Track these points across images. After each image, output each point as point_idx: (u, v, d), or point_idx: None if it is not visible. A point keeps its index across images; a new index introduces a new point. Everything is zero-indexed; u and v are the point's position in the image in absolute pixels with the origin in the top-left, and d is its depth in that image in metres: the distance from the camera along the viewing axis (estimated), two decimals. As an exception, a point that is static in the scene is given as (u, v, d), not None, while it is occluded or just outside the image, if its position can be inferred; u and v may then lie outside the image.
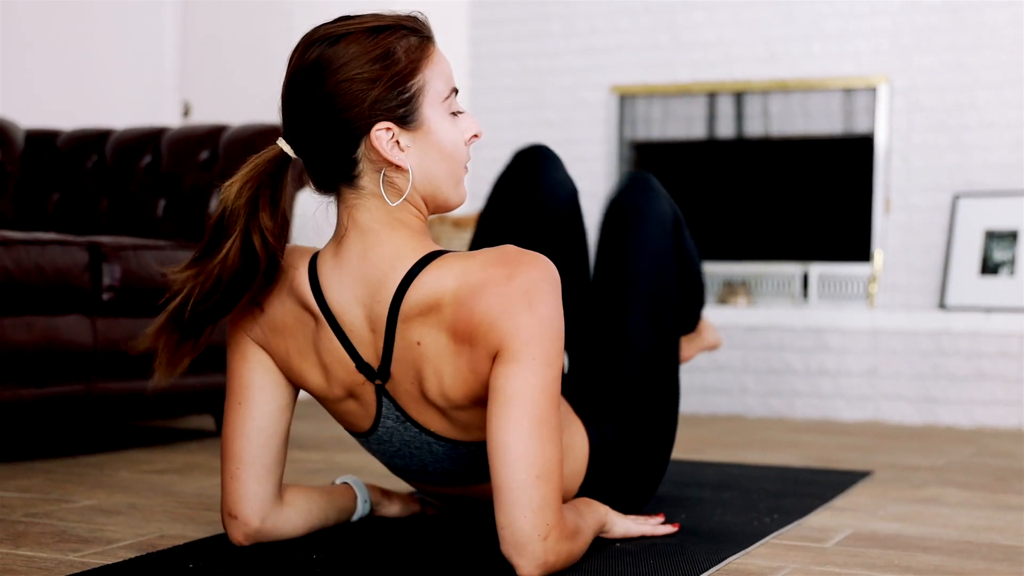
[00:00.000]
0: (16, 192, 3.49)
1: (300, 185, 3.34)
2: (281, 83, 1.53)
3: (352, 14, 1.54)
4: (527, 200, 1.98)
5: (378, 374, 1.56)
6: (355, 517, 1.82)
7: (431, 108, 1.52)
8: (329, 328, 1.55)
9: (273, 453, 1.64)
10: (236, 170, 1.52)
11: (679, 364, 2.02)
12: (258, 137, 3.27)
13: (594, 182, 4.73)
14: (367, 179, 1.52)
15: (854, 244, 4.45)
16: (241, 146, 3.26)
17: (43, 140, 3.55)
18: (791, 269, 4.46)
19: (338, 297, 1.54)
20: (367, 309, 1.53)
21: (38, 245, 2.58)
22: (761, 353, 4.23)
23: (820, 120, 4.48)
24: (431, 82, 1.52)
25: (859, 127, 4.42)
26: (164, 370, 1.55)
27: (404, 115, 1.49)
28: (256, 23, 4.76)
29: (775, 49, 4.53)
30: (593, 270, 2.03)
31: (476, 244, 2.02)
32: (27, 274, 2.52)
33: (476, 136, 1.58)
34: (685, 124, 4.67)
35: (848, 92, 4.43)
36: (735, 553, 1.69)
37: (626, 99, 4.74)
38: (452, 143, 1.54)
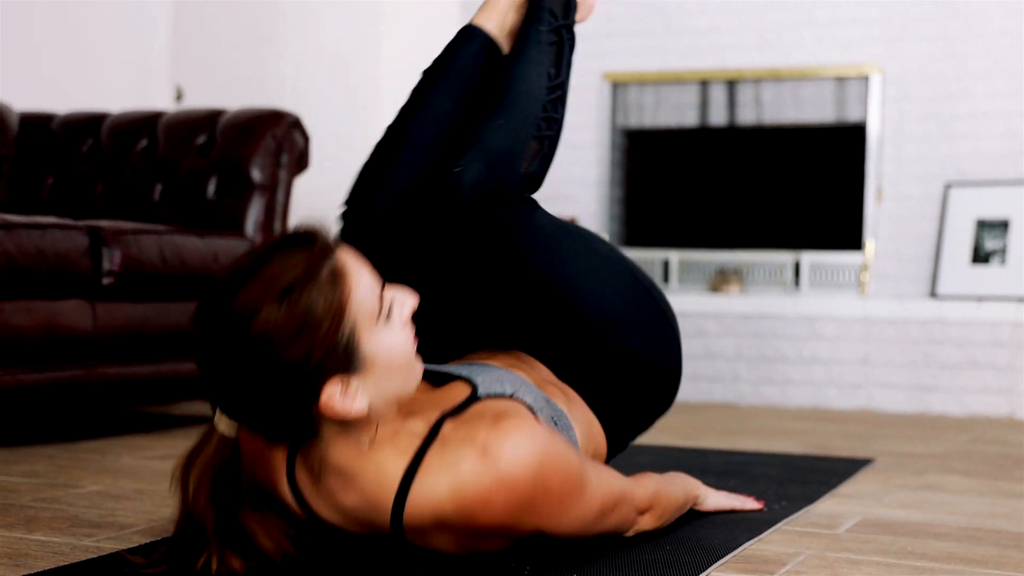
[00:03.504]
0: (10, 176, 3.46)
1: (299, 169, 3.32)
2: (202, 356, 1.35)
3: (245, 263, 1.34)
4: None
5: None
6: None
7: (369, 338, 1.36)
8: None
9: None
10: (173, 473, 1.39)
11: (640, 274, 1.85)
12: (256, 121, 3.25)
13: (586, 169, 4.73)
14: (327, 425, 1.39)
15: (846, 233, 4.46)
16: (238, 130, 3.24)
17: (38, 123, 3.52)
18: (783, 257, 4.48)
19: (331, 517, 1.45)
20: (366, 528, 1.45)
21: (39, 229, 2.56)
22: (753, 341, 4.25)
23: (812, 109, 4.49)
24: (359, 311, 1.35)
25: (851, 116, 4.43)
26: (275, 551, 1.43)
27: (347, 364, 1.35)
28: (248, 7, 4.73)
29: (767, 37, 4.54)
30: None
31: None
32: (28, 258, 2.51)
33: (414, 307, 1.42)
34: (677, 112, 4.67)
35: (840, 81, 4.45)
36: (750, 539, 1.70)
37: (618, 86, 4.74)
38: (400, 352, 1.40)
